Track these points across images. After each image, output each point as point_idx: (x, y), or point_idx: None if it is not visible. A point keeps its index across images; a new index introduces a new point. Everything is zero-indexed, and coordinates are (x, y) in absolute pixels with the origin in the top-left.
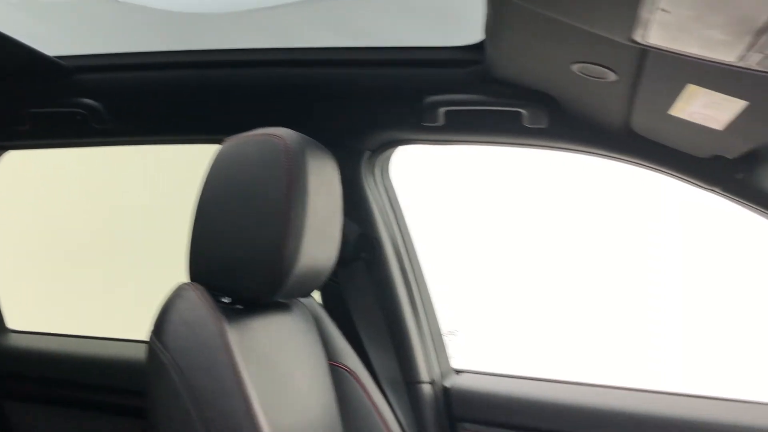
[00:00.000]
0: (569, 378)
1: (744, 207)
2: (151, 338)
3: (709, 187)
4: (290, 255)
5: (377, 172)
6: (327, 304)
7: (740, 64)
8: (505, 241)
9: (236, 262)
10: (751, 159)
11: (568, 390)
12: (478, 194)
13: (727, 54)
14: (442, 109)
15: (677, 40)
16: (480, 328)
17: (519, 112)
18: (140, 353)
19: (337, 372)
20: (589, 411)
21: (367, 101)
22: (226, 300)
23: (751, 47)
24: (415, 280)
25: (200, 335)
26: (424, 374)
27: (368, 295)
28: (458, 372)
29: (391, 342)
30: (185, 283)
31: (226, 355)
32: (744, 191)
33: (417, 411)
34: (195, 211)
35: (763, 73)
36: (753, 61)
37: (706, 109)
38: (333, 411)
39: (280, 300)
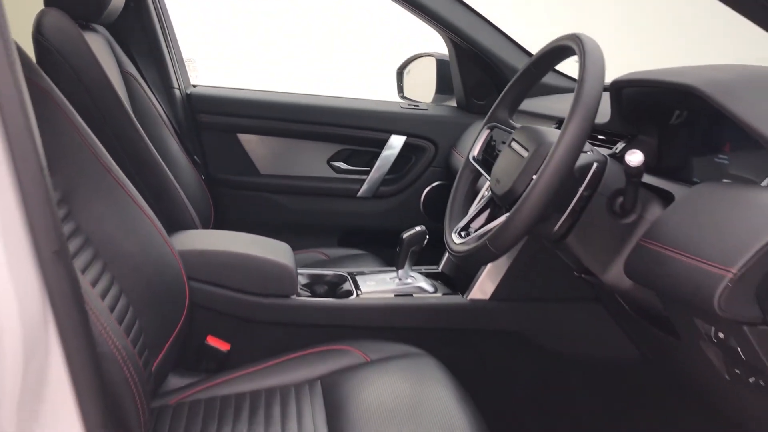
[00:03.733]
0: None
1: None
2: (34, 35)
3: None
4: None
5: None
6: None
7: None
8: None
9: None
10: None
11: (274, 95)
12: None
13: None
14: None
15: None
16: (213, 58)
17: None
18: None
19: (126, 77)
20: (282, 104)
21: None
22: None
23: None
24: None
25: (69, 30)
26: (174, 83)
27: (138, 32)
28: (195, 86)
29: (153, 64)
30: (47, 8)
31: (86, 45)
32: None
33: (173, 106)
34: None
35: None
36: None
37: None
38: (128, 103)
39: (95, 24)
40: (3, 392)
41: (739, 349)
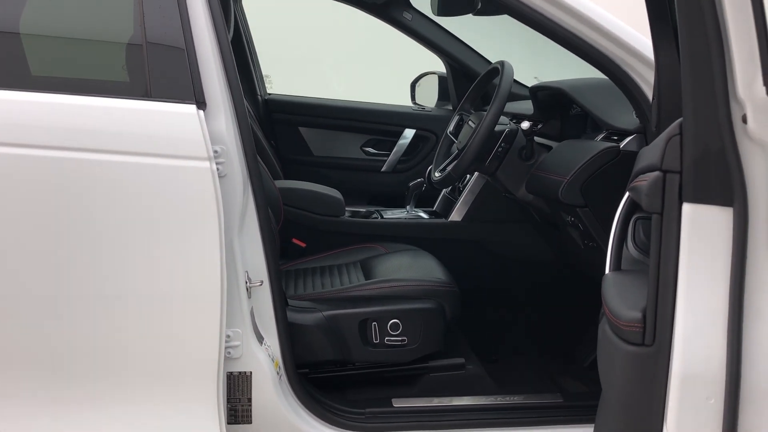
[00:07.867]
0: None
1: None
2: None
3: None
4: None
5: None
6: None
7: None
8: None
9: None
10: None
11: (324, 100)
12: None
13: None
14: None
15: None
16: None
17: None
18: None
19: None
20: (330, 106)
21: None
22: None
23: None
24: (247, 43)
25: None
26: (258, 92)
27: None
28: (270, 94)
29: (244, 77)
30: None
31: None
32: None
33: (257, 107)
34: None
35: None
36: None
37: None
38: None
39: None
40: (236, 201)
41: (579, 225)
